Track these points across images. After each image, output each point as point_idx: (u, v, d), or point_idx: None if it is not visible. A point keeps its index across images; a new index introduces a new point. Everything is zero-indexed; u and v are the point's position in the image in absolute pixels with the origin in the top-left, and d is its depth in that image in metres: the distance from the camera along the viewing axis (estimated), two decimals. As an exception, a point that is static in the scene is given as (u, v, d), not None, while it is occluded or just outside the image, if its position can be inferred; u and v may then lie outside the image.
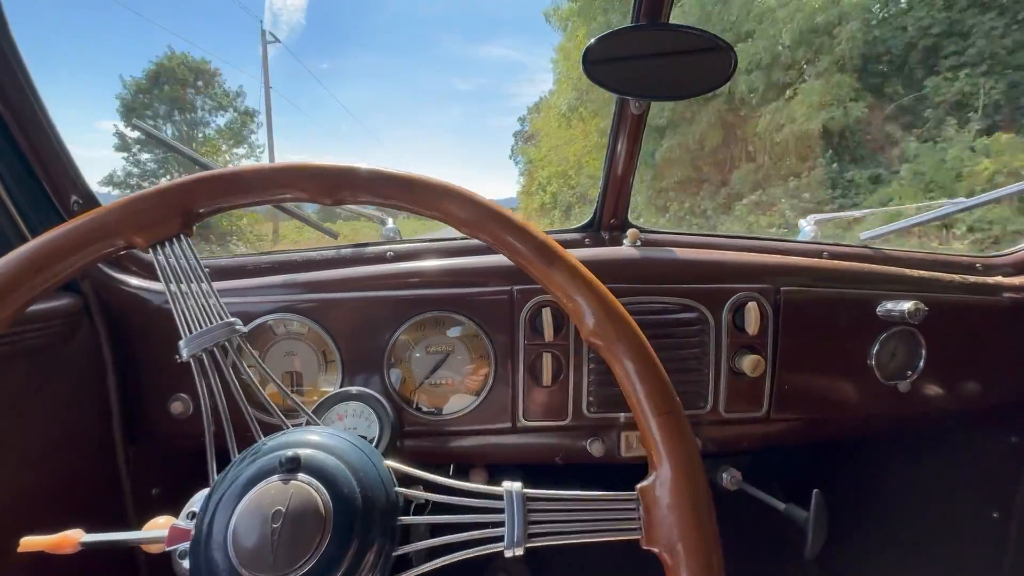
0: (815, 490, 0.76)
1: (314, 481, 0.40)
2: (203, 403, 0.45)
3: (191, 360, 0.45)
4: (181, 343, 0.44)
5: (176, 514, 0.46)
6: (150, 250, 0.44)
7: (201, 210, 0.45)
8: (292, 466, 0.40)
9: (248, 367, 0.51)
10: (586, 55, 0.77)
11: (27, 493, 0.71)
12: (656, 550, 0.37)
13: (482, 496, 0.40)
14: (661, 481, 0.38)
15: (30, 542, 0.44)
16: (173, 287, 0.45)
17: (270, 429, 0.47)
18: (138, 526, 0.47)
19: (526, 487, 0.41)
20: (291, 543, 0.37)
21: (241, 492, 0.39)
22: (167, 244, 0.45)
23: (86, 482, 0.81)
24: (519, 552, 0.38)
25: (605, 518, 0.39)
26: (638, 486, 0.39)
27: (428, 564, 0.40)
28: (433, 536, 0.41)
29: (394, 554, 0.41)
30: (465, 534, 0.40)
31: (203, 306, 0.45)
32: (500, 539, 0.38)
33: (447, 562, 0.40)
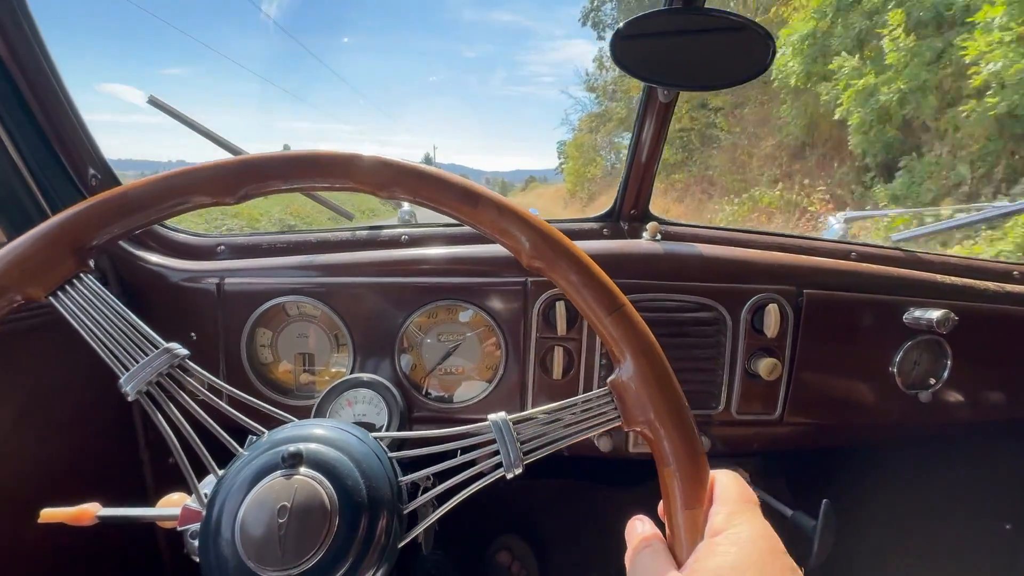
0: (824, 500, 0.74)
1: (318, 475, 0.40)
2: (167, 437, 0.42)
3: (139, 398, 0.41)
4: (121, 382, 0.41)
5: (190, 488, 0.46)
6: (50, 299, 0.41)
7: (95, 243, 0.41)
8: (294, 461, 0.40)
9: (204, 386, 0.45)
10: (614, 38, 0.73)
11: (50, 464, 0.74)
12: (637, 428, 0.40)
13: (472, 435, 0.42)
14: (626, 370, 0.40)
15: (50, 514, 0.45)
16: (94, 329, 0.41)
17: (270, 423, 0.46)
18: (157, 496, 0.48)
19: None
20: (298, 537, 0.38)
21: (247, 487, 0.40)
22: (68, 288, 0.41)
23: (106, 453, 0.83)
24: (518, 471, 0.40)
25: (587, 417, 0.41)
26: (609, 379, 0.41)
27: (436, 513, 0.42)
28: (439, 492, 0.42)
29: (400, 544, 0.41)
30: (465, 472, 0.41)
31: (134, 339, 0.42)
32: (499, 466, 0.40)
33: (454, 504, 0.41)
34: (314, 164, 0.43)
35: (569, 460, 0.92)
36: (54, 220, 0.41)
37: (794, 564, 0.33)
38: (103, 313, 0.42)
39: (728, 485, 0.37)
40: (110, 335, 0.42)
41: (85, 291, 0.42)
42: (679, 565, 0.35)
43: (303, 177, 0.43)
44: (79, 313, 0.41)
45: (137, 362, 0.41)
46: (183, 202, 0.42)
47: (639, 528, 0.40)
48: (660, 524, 0.41)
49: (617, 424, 0.41)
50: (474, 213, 0.42)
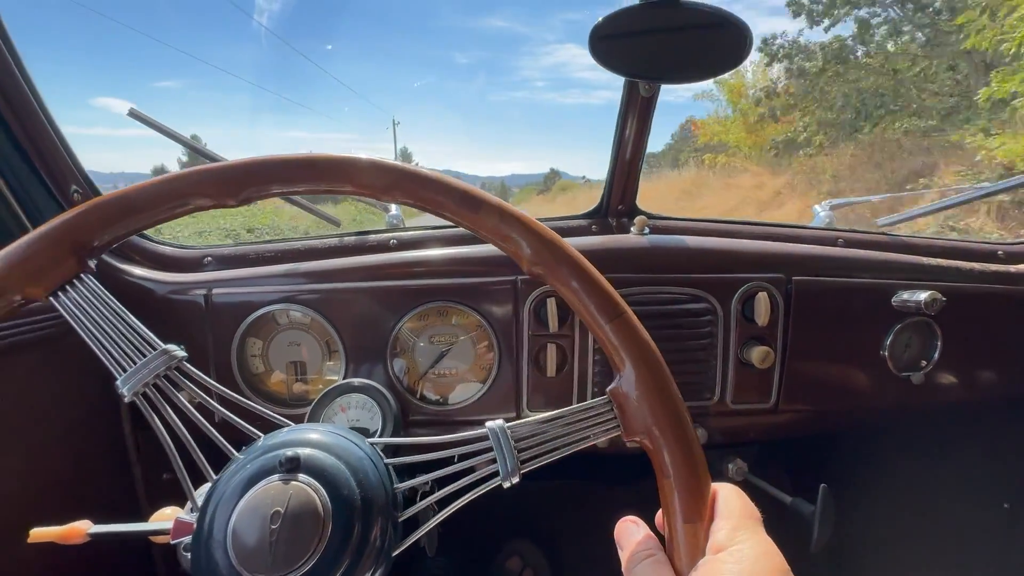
0: (822, 485, 0.75)
1: (313, 482, 0.39)
2: (162, 438, 0.42)
3: (135, 399, 0.41)
4: (119, 383, 0.41)
5: (185, 502, 0.46)
6: (50, 299, 0.41)
7: (96, 243, 0.42)
8: (292, 466, 0.39)
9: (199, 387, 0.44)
10: (593, 34, 0.74)
11: (38, 483, 0.72)
12: (637, 439, 0.39)
13: (469, 442, 0.41)
14: (627, 379, 0.39)
15: (39, 533, 0.44)
16: (93, 330, 0.41)
17: (266, 428, 0.46)
18: (150, 512, 0.47)
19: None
20: (289, 544, 0.37)
21: (241, 491, 0.39)
22: (68, 289, 0.41)
23: (97, 470, 0.82)
24: (515, 480, 0.39)
25: (586, 426, 0.40)
26: (608, 389, 0.41)
27: (432, 520, 0.41)
28: (435, 499, 0.42)
29: (395, 552, 0.41)
30: (462, 480, 0.41)
31: (133, 340, 0.42)
32: (496, 475, 0.39)
33: (451, 512, 0.41)
34: (314, 168, 0.43)
35: (574, 459, 0.91)
36: (56, 221, 0.41)
37: None
38: (102, 314, 0.42)
39: (730, 499, 0.37)
40: (109, 336, 0.42)
41: (86, 292, 0.42)
42: None
43: (302, 180, 0.43)
44: (79, 314, 0.41)
45: (135, 363, 0.41)
46: (184, 204, 0.43)
47: (634, 532, 0.39)
48: (657, 533, 0.40)
49: (616, 433, 0.40)
50: (475, 219, 0.42)
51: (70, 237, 0.41)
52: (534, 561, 1.32)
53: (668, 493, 0.37)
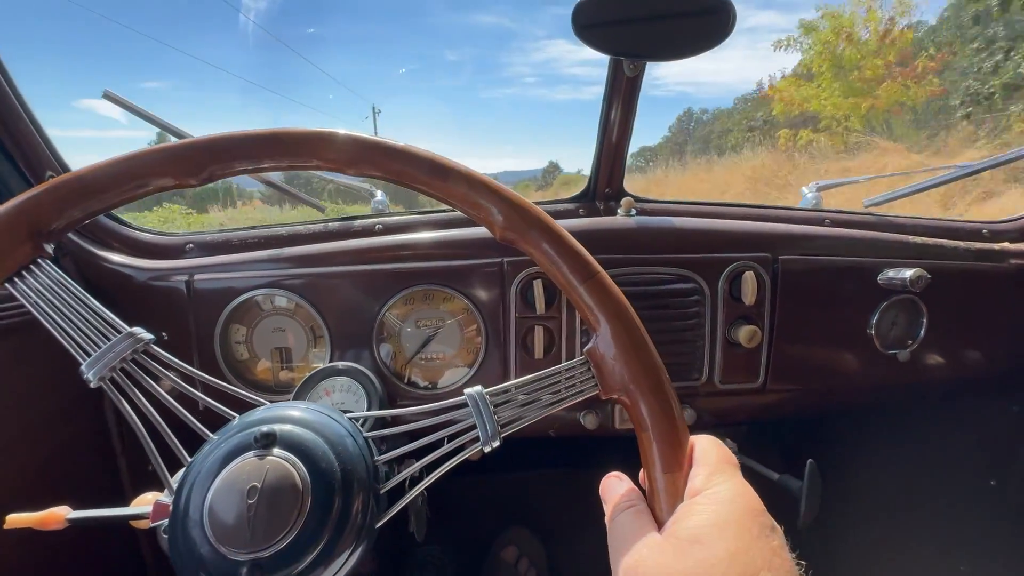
0: (809, 460, 0.75)
1: (290, 456, 0.39)
2: (133, 424, 0.41)
3: (102, 385, 0.40)
4: (83, 368, 0.40)
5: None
6: (7, 285, 0.40)
7: (53, 226, 0.40)
8: (267, 442, 0.39)
9: (170, 368, 0.43)
10: (575, 18, 0.73)
11: (19, 471, 0.71)
12: (615, 396, 0.39)
13: (449, 410, 0.41)
14: (602, 337, 0.39)
15: (16, 519, 0.44)
16: (53, 316, 0.40)
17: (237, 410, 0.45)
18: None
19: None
20: (268, 519, 0.37)
21: (216, 469, 0.39)
22: (25, 275, 0.40)
23: (82, 458, 0.81)
24: (496, 444, 0.39)
25: (564, 387, 0.40)
26: (585, 348, 0.41)
27: (414, 490, 0.41)
28: (416, 469, 0.42)
29: (378, 524, 0.40)
30: (443, 448, 0.41)
31: (96, 324, 0.41)
32: (476, 440, 0.39)
33: (433, 479, 0.40)
34: (278, 143, 0.42)
35: (568, 447, 0.91)
36: (9, 205, 0.39)
37: (774, 523, 0.32)
38: (63, 299, 0.41)
39: (707, 448, 0.37)
40: (71, 321, 0.40)
41: (44, 277, 0.41)
42: (659, 526, 0.35)
43: (268, 156, 0.42)
44: (37, 300, 0.40)
45: (100, 348, 0.40)
46: (144, 184, 0.41)
47: (617, 487, 0.40)
48: (641, 489, 0.40)
49: (595, 392, 0.40)
50: (445, 187, 0.41)
51: (24, 220, 0.39)
52: (530, 550, 1.32)
53: (647, 446, 0.38)
